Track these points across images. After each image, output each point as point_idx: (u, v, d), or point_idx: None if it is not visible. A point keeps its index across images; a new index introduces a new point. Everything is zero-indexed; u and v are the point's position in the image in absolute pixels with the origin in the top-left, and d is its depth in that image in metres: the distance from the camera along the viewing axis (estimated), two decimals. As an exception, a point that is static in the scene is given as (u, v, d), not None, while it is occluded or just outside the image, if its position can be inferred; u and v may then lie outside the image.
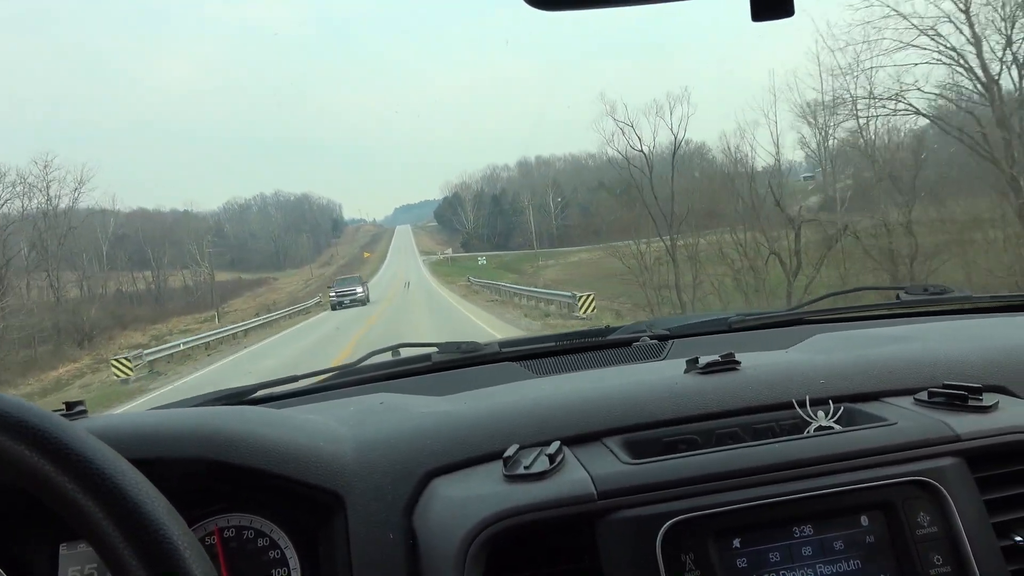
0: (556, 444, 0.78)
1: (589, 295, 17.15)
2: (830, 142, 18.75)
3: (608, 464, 0.76)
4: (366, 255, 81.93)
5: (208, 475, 0.74)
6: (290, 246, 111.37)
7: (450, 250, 65.14)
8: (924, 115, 13.56)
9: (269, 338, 21.63)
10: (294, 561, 0.77)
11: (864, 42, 13.55)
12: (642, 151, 21.27)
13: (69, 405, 0.79)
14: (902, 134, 15.83)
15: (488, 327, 16.45)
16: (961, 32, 12.29)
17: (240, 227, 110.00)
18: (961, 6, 12.11)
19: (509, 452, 0.77)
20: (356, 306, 30.22)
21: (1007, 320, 1.30)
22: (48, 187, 33.88)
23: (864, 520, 0.71)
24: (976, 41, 12.17)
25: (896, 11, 12.64)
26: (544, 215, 78.54)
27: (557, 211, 78.49)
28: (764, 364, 0.96)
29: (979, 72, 12.29)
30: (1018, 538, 0.73)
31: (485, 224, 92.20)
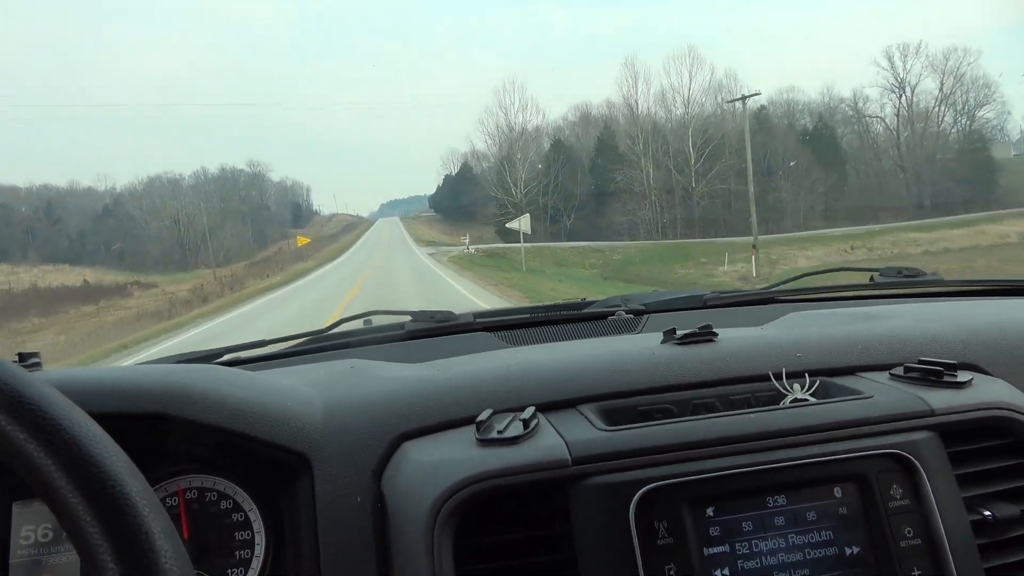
0: (531, 410, 0.77)
1: None
2: None
3: (583, 430, 0.75)
4: (301, 242, 43.63)
5: (171, 433, 0.71)
6: (214, 235, 72.45)
7: (523, 222, 24.16)
8: None
9: None
10: (258, 524, 0.75)
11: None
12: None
13: (23, 356, 0.75)
14: None
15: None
16: None
17: (152, 208, 72.37)
18: None
19: (482, 417, 0.75)
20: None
21: (978, 303, 1.31)
22: None
23: (837, 491, 0.71)
24: None
25: None
26: (662, 171, 40.12)
27: (697, 163, 39.23)
28: (741, 337, 0.96)
29: None
30: (987, 512, 0.73)
31: (548, 190, 47.77)
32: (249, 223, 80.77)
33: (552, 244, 36.87)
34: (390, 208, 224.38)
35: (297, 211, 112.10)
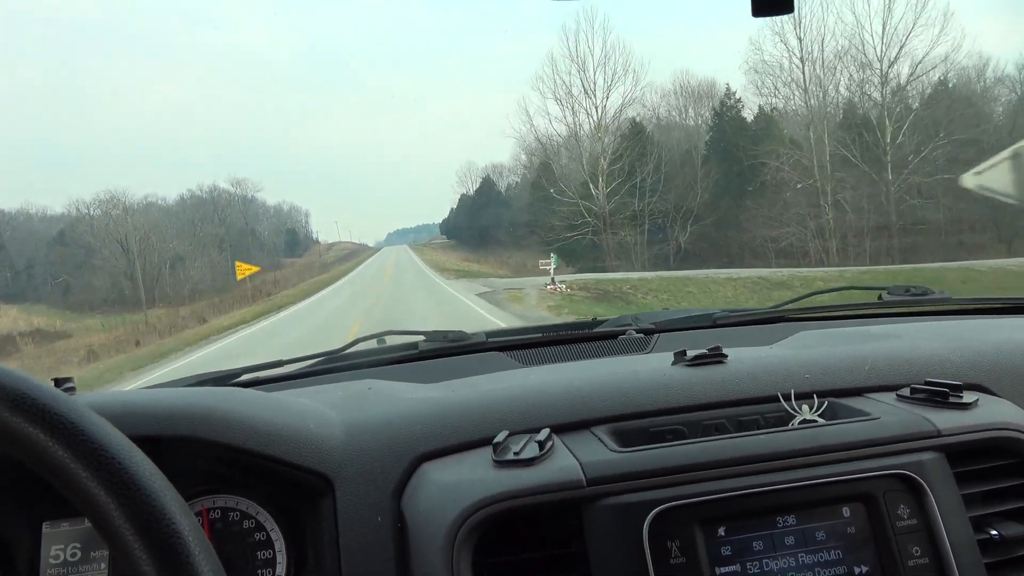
0: (546, 431, 0.79)
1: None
2: None
3: (597, 452, 0.76)
4: (243, 272, 30.03)
5: (197, 455, 0.74)
6: (180, 265, 58.04)
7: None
8: None
9: None
10: (280, 543, 0.77)
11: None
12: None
13: (58, 382, 0.77)
14: None
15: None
16: None
17: (104, 232, 58.14)
18: None
19: (499, 438, 0.77)
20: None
21: (985, 322, 1.32)
22: None
23: (846, 511, 0.72)
24: None
25: None
26: (838, 158, 21.79)
27: (895, 143, 19.64)
28: (750, 358, 0.97)
29: None
30: (994, 532, 0.74)
31: (645, 191, 28.02)
32: (228, 251, 66.57)
33: (678, 273, 21.80)
34: (398, 237, 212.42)
35: (293, 238, 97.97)
